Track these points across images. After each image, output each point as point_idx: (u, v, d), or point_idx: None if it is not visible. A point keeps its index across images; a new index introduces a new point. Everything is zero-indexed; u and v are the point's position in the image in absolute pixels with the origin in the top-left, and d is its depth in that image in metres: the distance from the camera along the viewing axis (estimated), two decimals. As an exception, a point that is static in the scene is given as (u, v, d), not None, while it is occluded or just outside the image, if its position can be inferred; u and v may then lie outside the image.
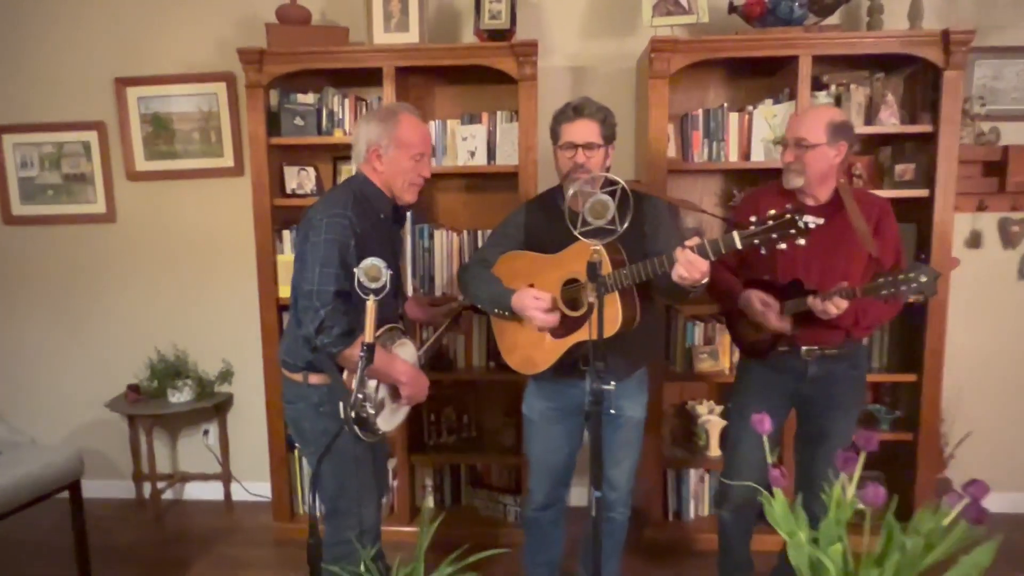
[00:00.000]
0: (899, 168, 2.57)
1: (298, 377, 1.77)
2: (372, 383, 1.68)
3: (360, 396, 1.65)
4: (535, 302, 1.81)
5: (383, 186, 1.81)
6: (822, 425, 2.03)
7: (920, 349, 2.58)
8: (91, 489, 3.22)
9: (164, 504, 3.17)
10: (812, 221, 1.47)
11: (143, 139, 3.01)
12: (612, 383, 1.55)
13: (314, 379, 1.76)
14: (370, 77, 2.65)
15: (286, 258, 2.72)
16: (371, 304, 1.54)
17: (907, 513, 2.72)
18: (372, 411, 1.65)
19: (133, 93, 2.98)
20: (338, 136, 2.70)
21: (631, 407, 1.98)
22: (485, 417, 2.99)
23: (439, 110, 2.90)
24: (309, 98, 2.73)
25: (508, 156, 2.68)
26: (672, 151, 2.69)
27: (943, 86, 2.43)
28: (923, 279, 1.68)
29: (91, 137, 3.03)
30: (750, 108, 2.64)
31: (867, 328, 2.00)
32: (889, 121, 2.54)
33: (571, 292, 1.86)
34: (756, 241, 1.54)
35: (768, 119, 2.58)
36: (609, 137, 1.89)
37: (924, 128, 2.50)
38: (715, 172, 2.77)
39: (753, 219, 1.54)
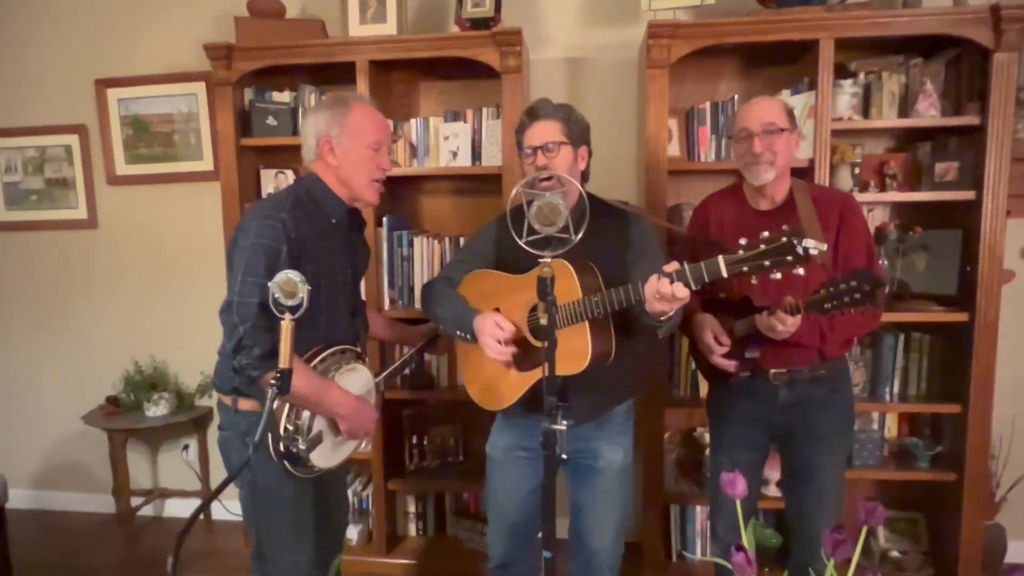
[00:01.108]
0: (940, 167, 2.23)
1: (227, 401, 1.57)
2: (306, 413, 1.47)
3: (290, 428, 1.46)
4: (495, 330, 1.58)
5: (339, 186, 1.59)
6: (804, 458, 1.76)
7: (965, 375, 2.23)
8: (72, 503, 3.17)
9: (143, 521, 3.04)
10: (814, 247, 1.23)
11: (123, 142, 2.90)
12: (564, 423, 1.30)
13: (243, 404, 1.54)
14: (351, 73, 2.46)
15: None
16: (287, 324, 1.33)
17: (950, 564, 2.39)
18: (303, 447, 1.43)
19: (113, 95, 2.87)
20: (313, 136, 2.52)
21: (611, 450, 1.70)
22: (473, 440, 2.76)
23: (424, 107, 2.69)
24: (285, 96, 2.56)
25: (494, 156, 2.45)
26: (676, 150, 2.42)
27: (992, 71, 2.09)
28: (865, 288, 1.42)
29: (73, 141, 2.94)
30: (765, 100, 2.34)
31: (841, 344, 1.74)
32: (928, 113, 2.20)
33: (537, 319, 1.61)
34: (745, 268, 1.29)
35: (785, 112, 2.27)
36: (576, 137, 1.66)
37: (970, 120, 2.16)
38: (725, 173, 2.47)
39: (743, 242, 1.30)
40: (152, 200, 2.94)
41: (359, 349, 1.65)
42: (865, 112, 2.27)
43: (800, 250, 1.25)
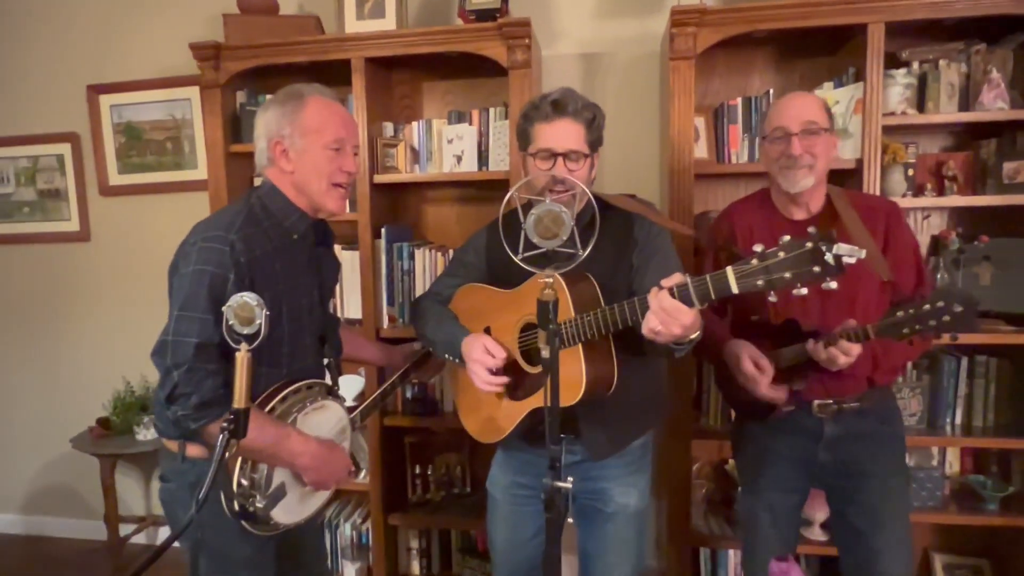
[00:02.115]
0: (1009, 167, 1.95)
1: (173, 447, 1.35)
2: (263, 466, 1.25)
3: (245, 483, 1.25)
4: (484, 357, 1.36)
5: (297, 195, 1.37)
6: (863, 502, 1.52)
7: (1041, 406, 1.94)
8: (62, 529, 3.02)
9: (135, 550, 2.87)
10: (849, 253, 0.97)
11: (116, 150, 2.77)
12: (569, 479, 1.07)
13: (192, 451, 1.32)
14: (350, 73, 2.27)
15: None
16: (243, 356, 1.13)
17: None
18: (262, 504, 1.22)
19: (106, 101, 2.74)
20: (307, 141, 2.34)
21: (623, 492, 1.48)
22: (481, 470, 2.52)
23: (428, 109, 2.50)
24: (279, 99, 2.39)
25: (502, 161, 2.24)
26: (703, 151, 2.17)
27: (1073, 55, 1.81)
28: (956, 309, 1.22)
29: (65, 150, 2.81)
30: (804, 94, 2.09)
31: (892, 371, 1.54)
32: (995, 105, 1.92)
33: (530, 340, 1.39)
34: (760, 282, 1.03)
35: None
36: (596, 143, 1.43)
37: (1045, 113, 1.89)
38: (758, 176, 2.22)
39: (757, 248, 1.04)
40: (145, 211, 2.80)
41: (329, 382, 1.44)
42: (920, 106, 2.00)
43: (830, 259, 0.99)
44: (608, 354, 1.33)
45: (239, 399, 1.14)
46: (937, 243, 2.09)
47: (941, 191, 2.06)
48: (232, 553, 1.30)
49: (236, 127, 2.36)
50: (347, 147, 1.36)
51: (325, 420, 1.36)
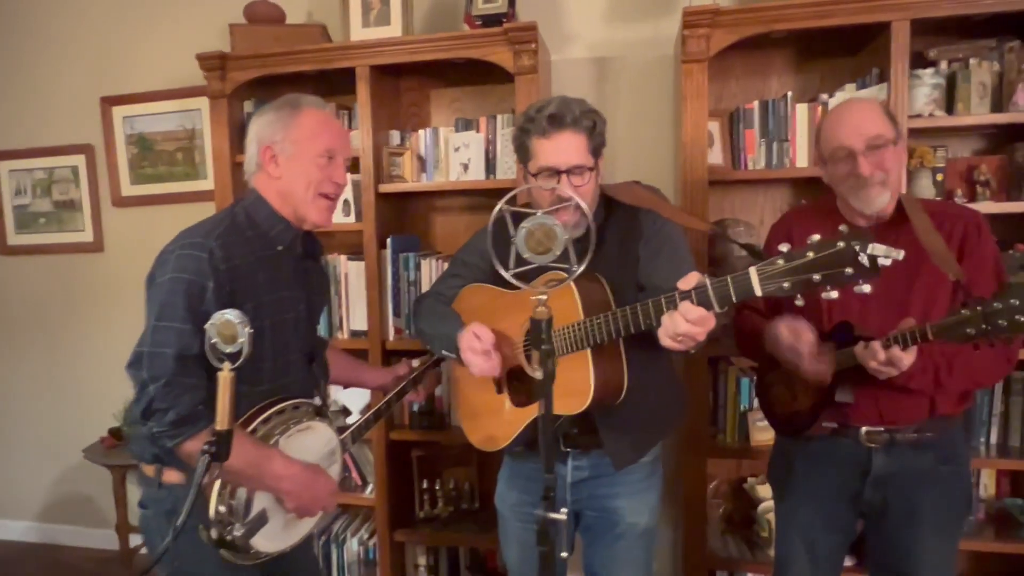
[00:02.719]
0: (1047, 171, 1.83)
1: (149, 472, 1.29)
2: (242, 491, 1.19)
3: (223, 509, 1.20)
4: (472, 341, 1.32)
5: (282, 204, 1.32)
6: (901, 552, 1.37)
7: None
8: (76, 538, 3.03)
9: (146, 560, 2.87)
10: (885, 254, 0.90)
11: (129, 161, 2.78)
12: (563, 511, 1.01)
13: (169, 477, 1.27)
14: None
15: (255, 293, 2.37)
16: (226, 375, 1.09)
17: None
18: (240, 533, 1.17)
19: (119, 112, 2.75)
20: (314, 151, 2.31)
21: (634, 510, 1.42)
22: (491, 485, 2.45)
23: (436, 117, 2.45)
24: (286, 109, 2.37)
25: (510, 168, 2.18)
26: (719, 157, 2.09)
27: (1116, 51, 1.69)
28: None
29: (79, 161, 2.84)
30: (824, 97, 2.00)
31: (960, 394, 1.35)
32: (1030, 106, 1.81)
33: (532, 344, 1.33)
34: (786, 284, 0.96)
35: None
36: (598, 149, 1.36)
37: (1085, 113, 1.77)
38: (776, 182, 2.13)
39: (784, 248, 0.96)
40: (158, 222, 2.80)
41: (318, 402, 1.39)
42: (949, 108, 1.89)
43: (864, 259, 0.92)
44: (618, 358, 1.26)
45: (222, 420, 1.10)
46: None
47: (972, 197, 1.95)
48: None
49: (243, 137, 2.34)
50: (338, 158, 1.32)
51: (312, 442, 1.30)
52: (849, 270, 0.92)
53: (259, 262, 1.28)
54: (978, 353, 1.23)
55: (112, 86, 2.76)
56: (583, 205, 1.12)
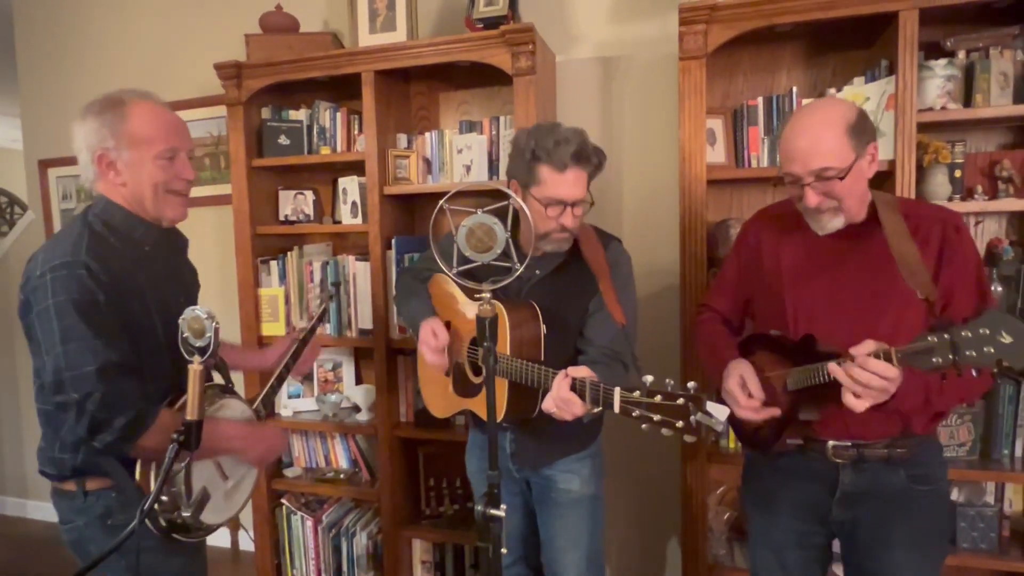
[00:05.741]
0: (1074, 165, 1.71)
1: (70, 487, 1.30)
2: (179, 476, 1.22)
3: (165, 498, 1.23)
4: (429, 338, 1.43)
5: (134, 206, 1.30)
6: (875, 572, 1.29)
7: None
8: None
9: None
10: (712, 422, 1.03)
11: (162, 167, 2.93)
12: (503, 507, 1.02)
13: (93, 484, 1.28)
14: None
15: (269, 291, 2.46)
16: (196, 368, 1.15)
17: None
18: (188, 513, 1.21)
19: (153, 121, 2.91)
20: (324, 154, 2.39)
21: (567, 479, 1.52)
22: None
23: (444, 119, 2.49)
24: (300, 114, 2.45)
25: (511, 170, 2.19)
26: (722, 155, 2.04)
27: None
28: (1004, 339, 0.94)
29: (118, 167, 3.01)
30: (831, 91, 1.93)
31: (942, 413, 1.27)
32: (1055, 96, 1.70)
33: (476, 354, 1.43)
34: (635, 414, 1.10)
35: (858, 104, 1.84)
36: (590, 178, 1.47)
37: (1116, 103, 1.64)
38: (782, 181, 2.05)
39: (648, 379, 1.11)
40: (187, 225, 2.93)
41: (224, 382, 1.44)
42: (967, 100, 1.79)
43: (693, 421, 1.04)
44: (532, 394, 1.35)
45: (191, 411, 1.16)
46: (990, 252, 1.86)
47: (994, 194, 1.84)
48: (162, 569, 1.29)
49: (260, 142, 2.44)
50: (181, 153, 1.33)
51: (231, 415, 1.39)
52: (680, 423, 1.05)
53: (135, 264, 1.29)
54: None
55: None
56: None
